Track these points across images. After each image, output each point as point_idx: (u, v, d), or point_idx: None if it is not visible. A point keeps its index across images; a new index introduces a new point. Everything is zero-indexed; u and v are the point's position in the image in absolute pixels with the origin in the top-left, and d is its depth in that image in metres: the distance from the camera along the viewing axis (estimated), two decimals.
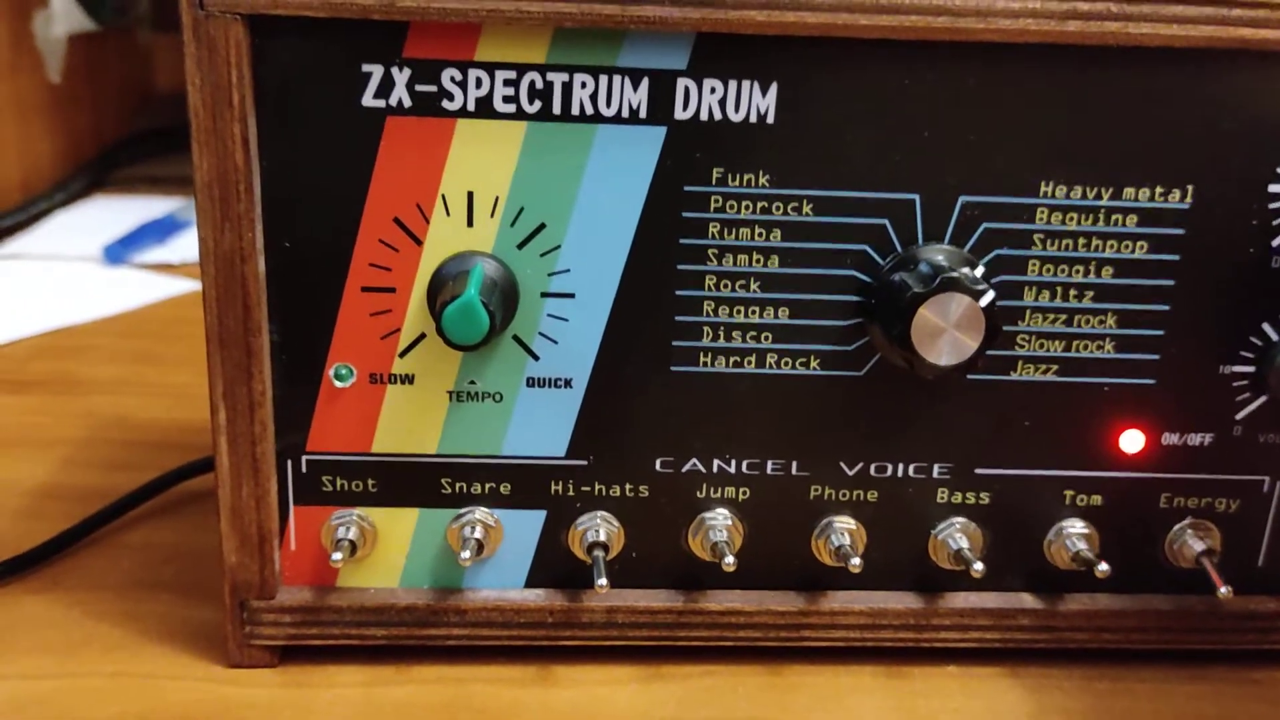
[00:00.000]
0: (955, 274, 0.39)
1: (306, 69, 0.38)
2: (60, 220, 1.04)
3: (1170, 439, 0.45)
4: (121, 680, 0.43)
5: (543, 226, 0.40)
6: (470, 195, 0.40)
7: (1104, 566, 0.44)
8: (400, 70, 0.38)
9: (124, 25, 1.21)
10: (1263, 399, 0.44)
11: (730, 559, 0.43)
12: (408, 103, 0.39)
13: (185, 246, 0.98)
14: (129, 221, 1.03)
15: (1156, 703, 0.45)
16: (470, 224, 0.40)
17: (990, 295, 0.39)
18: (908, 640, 0.46)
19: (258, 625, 0.43)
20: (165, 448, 0.62)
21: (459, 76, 0.39)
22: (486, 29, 0.38)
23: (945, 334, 0.40)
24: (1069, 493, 0.45)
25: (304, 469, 0.43)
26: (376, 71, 0.38)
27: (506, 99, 0.39)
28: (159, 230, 1.01)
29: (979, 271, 0.41)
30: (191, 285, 0.90)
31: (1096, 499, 0.45)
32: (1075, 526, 0.45)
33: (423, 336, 0.41)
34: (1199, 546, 0.45)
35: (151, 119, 1.26)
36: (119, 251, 0.95)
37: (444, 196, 0.40)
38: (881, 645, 0.46)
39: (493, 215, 0.40)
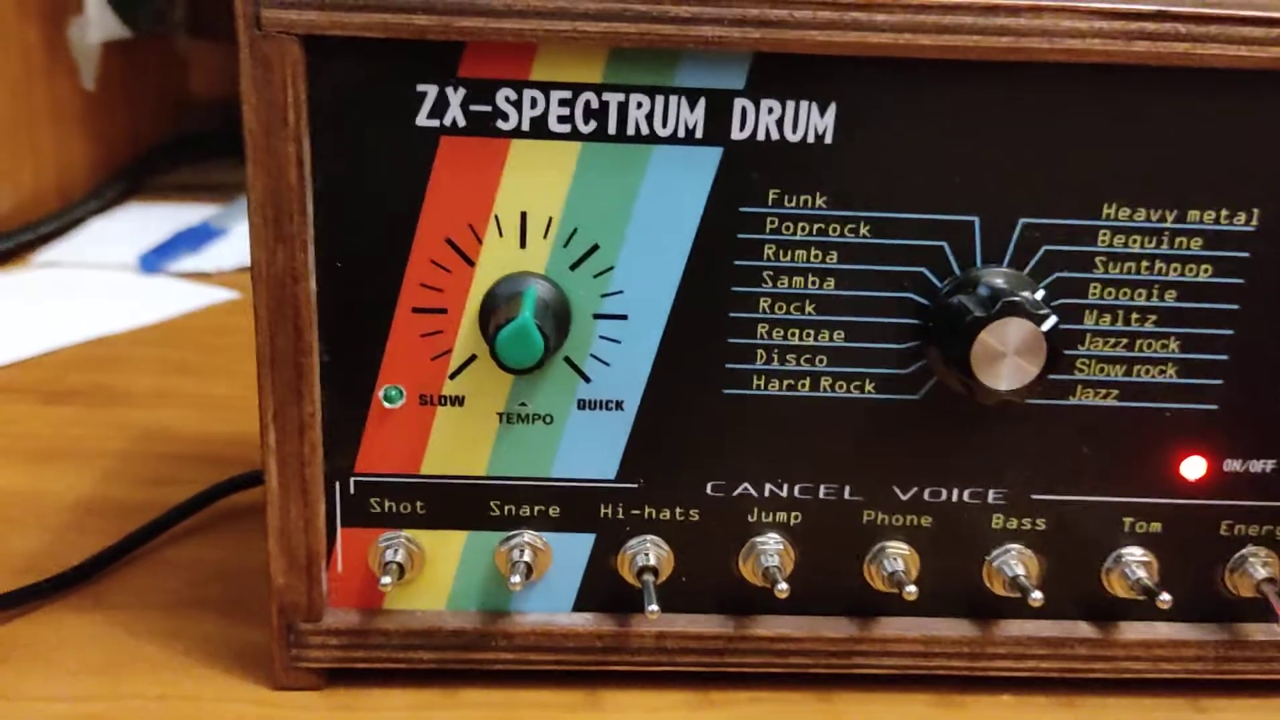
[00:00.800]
0: (1016, 298, 0.39)
1: (361, 89, 0.38)
2: (96, 228, 1.04)
3: (1232, 465, 0.44)
4: (167, 703, 0.43)
5: (596, 247, 0.40)
6: (523, 216, 0.39)
7: (1166, 596, 0.43)
8: (455, 90, 0.38)
9: (160, 32, 1.21)
10: None
11: (783, 585, 0.42)
12: (462, 122, 0.38)
13: (220, 254, 0.98)
14: (164, 229, 1.03)
15: None
16: (523, 245, 0.40)
17: (1053, 320, 0.39)
18: (961, 669, 0.45)
19: (304, 648, 0.43)
20: (206, 461, 0.62)
21: (514, 96, 0.38)
22: (542, 49, 0.38)
23: (1006, 359, 0.39)
24: (1128, 519, 0.44)
25: (352, 490, 0.42)
26: (431, 91, 0.38)
27: (561, 119, 0.38)
28: (194, 238, 1.01)
29: (1040, 295, 0.40)
30: (226, 294, 0.90)
31: (1156, 526, 0.44)
32: (1134, 554, 0.45)
33: (474, 358, 0.41)
34: (1260, 574, 0.44)
35: (187, 125, 1.26)
36: (154, 260, 0.96)
37: (497, 217, 0.39)
38: (934, 673, 0.45)
39: (546, 236, 0.40)
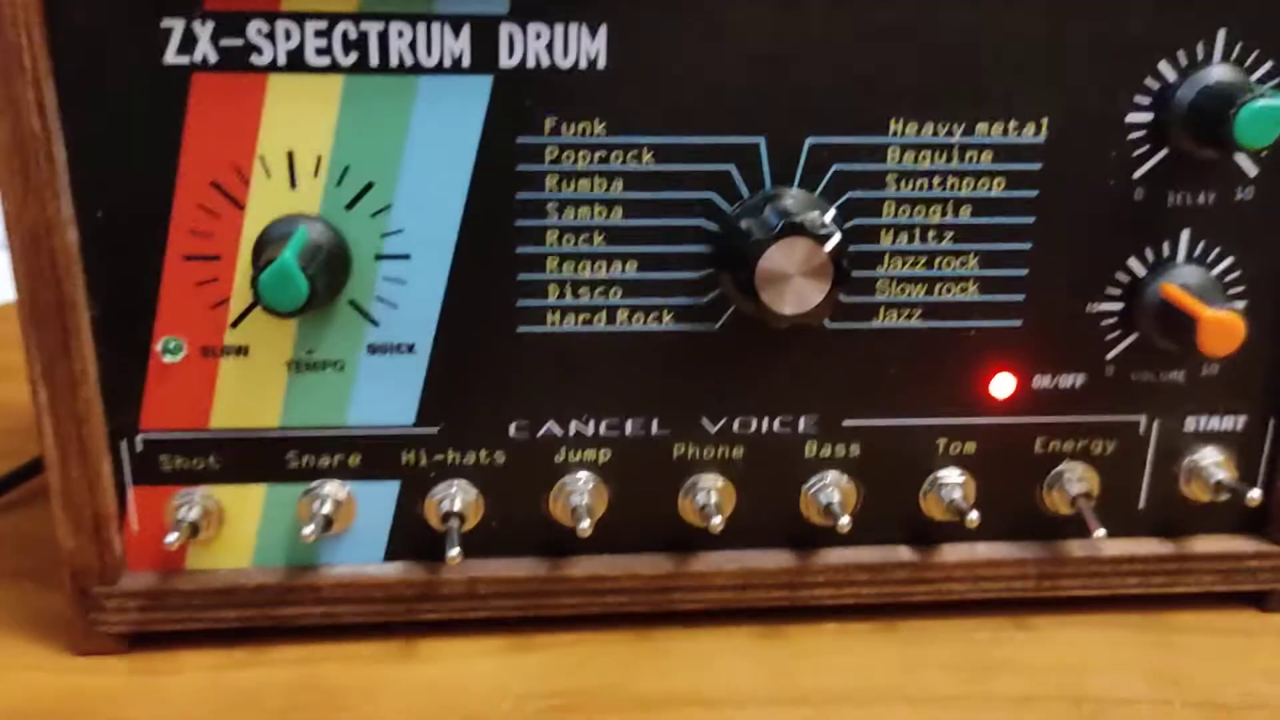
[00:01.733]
0: (799, 219, 0.38)
1: (103, 27, 0.36)
2: None
3: (1041, 381, 0.43)
4: None
5: (370, 185, 0.39)
6: (290, 155, 0.38)
7: (974, 515, 0.43)
8: (203, 24, 0.36)
9: None
10: (1134, 337, 0.43)
11: (585, 524, 0.41)
12: (214, 58, 0.37)
13: None
14: None
15: (1036, 650, 0.44)
16: (293, 185, 0.38)
17: (836, 238, 0.38)
18: (782, 599, 0.44)
19: (102, 612, 0.42)
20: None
21: (266, 29, 0.37)
22: None
23: (791, 281, 0.38)
24: (942, 441, 0.44)
25: (139, 448, 0.41)
26: (178, 26, 0.36)
27: (319, 51, 0.37)
28: None
29: (829, 216, 0.39)
30: None
31: (970, 446, 0.44)
32: (950, 475, 0.44)
33: (254, 305, 0.39)
34: (1076, 490, 0.44)
35: None
36: None
37: (262, 157, 0.38)
38: (755, 606, 0.44)
39: (316, 175, 0.38)
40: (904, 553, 0.45)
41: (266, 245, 0.38)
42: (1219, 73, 0.39)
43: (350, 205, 0.39)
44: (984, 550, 0.45)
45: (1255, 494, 0.43)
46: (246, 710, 0.40)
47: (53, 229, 0.37)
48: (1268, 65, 0.39)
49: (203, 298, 0.39)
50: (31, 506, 0.53)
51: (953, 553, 0.45)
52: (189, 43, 0.36)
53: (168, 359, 0.40)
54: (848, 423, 0.43)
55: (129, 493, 0.41)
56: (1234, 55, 0.39)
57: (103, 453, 0.40)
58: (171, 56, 0.37)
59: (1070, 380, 0.43)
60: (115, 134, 0.37)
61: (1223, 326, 0.39)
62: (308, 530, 0.40)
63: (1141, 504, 0.45)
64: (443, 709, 0.40)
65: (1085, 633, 0.45)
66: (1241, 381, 0.44)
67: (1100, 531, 0.43)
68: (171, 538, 0.40)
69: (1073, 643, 0.44)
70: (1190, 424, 0.44)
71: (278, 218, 0.39)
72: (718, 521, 0.42)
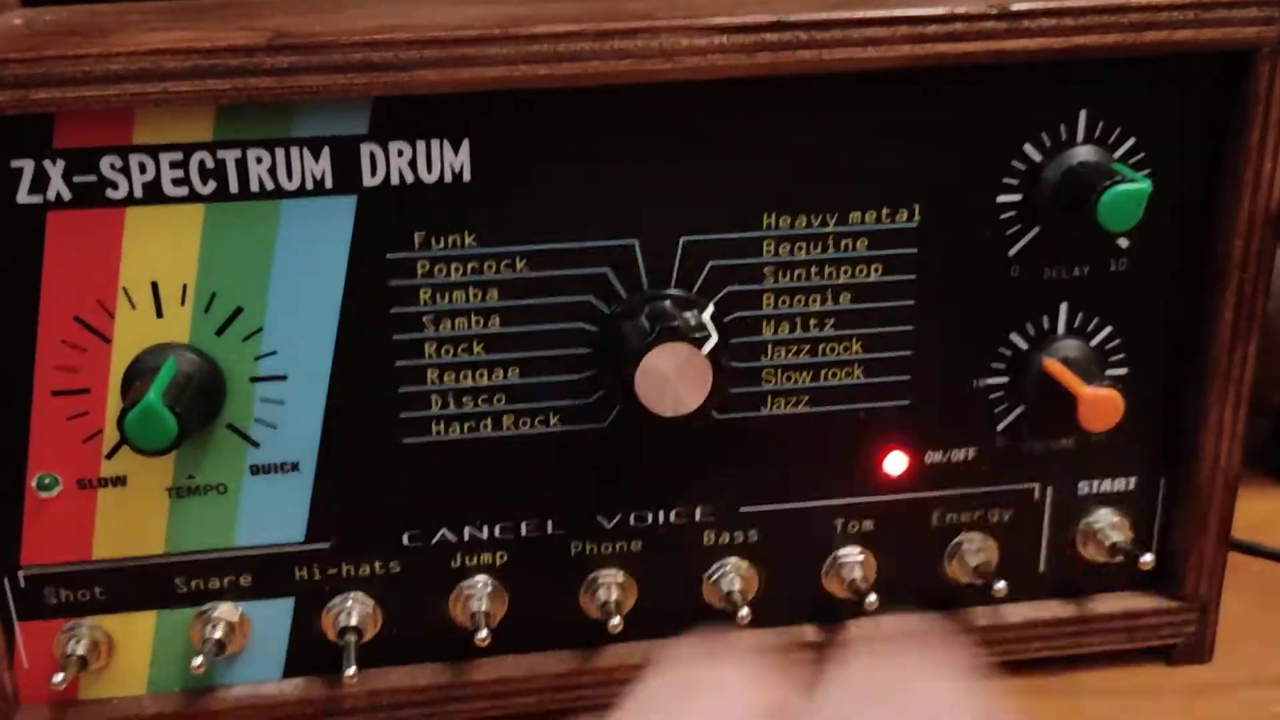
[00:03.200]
0: (674, 324, 0.38)
1: None
2: None
3: (934, 457, 0.44)
4: None
5: (240, 310, 0.38)
6: (155, 285, 0.37)
7: (872, 598, 0.43)
8: (54, 163, 0.36)
9: None
10: (1020, 409, 0.43)
11: (484, 632, 0.41)
12: (67, 195, 0.36)
13: None
14: None
15: None
16: (160, 314, 0.38)
17: (713, 340, 0.38)
18: None
19: None
20: None
21: (119, 163, 0.36)
22: (140, 112, 0.35)
23: (669, 385, 0.38)
24: (839, 521, 0.44)
25: (22, 583, 0.40)
26: (27, 166, 0.36)
27: (176, 182, 0.36)
28: None
29: (706, 315, 0.39)
30: None
31: (869, 524, 0.44)
32: (851, 554, 0.44)
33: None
34: (975, 560, 0.44)
35: None
36: None
37: (125, 289, 0.37)
38: None
39: (183, 303, 0.38)
40: (809, 632, 0.45)
41: (135, 378, 0.37)
42: (1083, 153, 0.39)
43: (220, 331, 0.38)
44: (891, 623, 0.45)
45: (1148, 558, 0.43)
46: None
47: None
48: (1130, 142, 0.40)
49: (75, 431, 0.39)
50: None
51: (857, 629, 0.45)
52: (41, 181, 0.36)
53: (44, 494, 0.39)
54: (745, 509, 0.43)
55: (15, 629, 0.41)
56: (1096, 134, 0.39)
57: None
58: (24, 196, 0.36)
59: (962, 454, 0.44)
60: None
61: (1102, 404, 0.39)
62: (197, 661, 0.40)
63: (1041, 568, 0.46)
64: None
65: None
66: (1130, 443, 0.44)
67: (1000, 584, 0.43)
68: (58, 678, 0.39)
69: None
70: (1083, 487, 0.45)
71: (147, 348, 0.38)
72: (616, 622, 0.42)
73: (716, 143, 0.38)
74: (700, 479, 0.43)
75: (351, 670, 0.40)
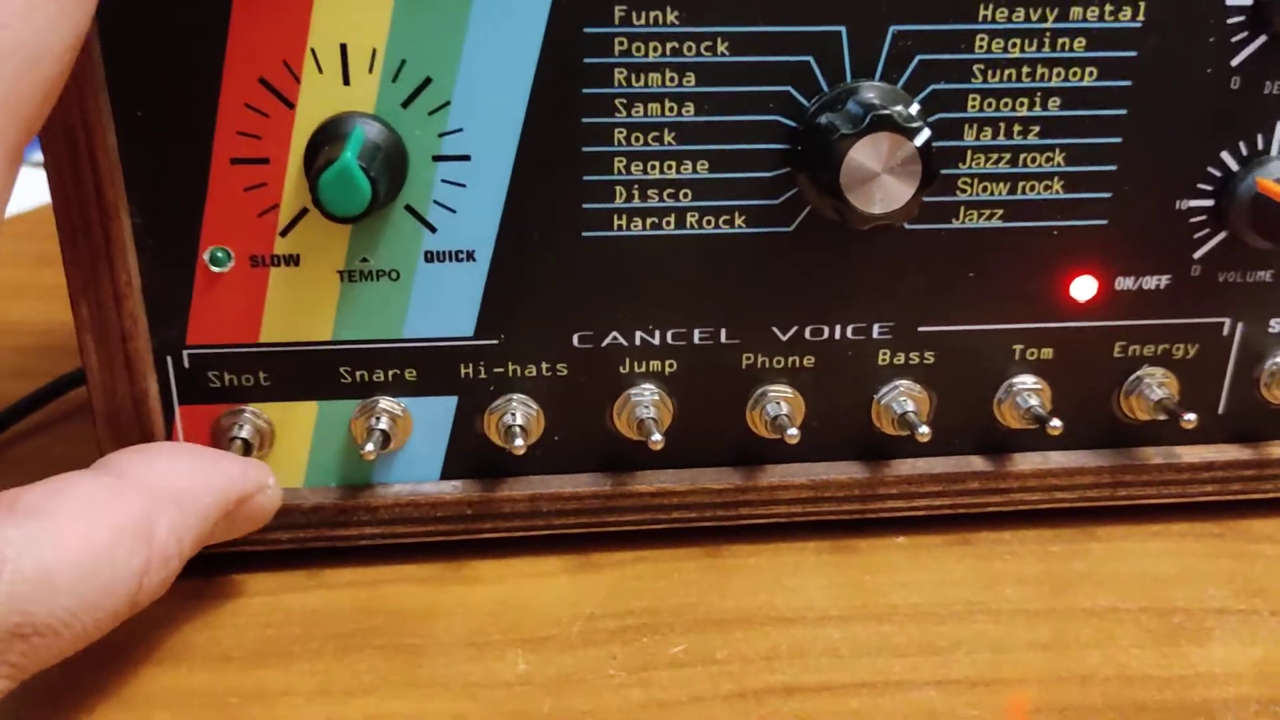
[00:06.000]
0: (887, 111, 0.36)
1: None
2: None
3: (1124, 283, 0.42)
4: None
5: (429, 81, 0.36)
6: (344, 48, 0.35)
7: (1056, 423, 0.41)
8: None
9: None
10: (1222, 235, 0.41)
11: (658, 436, 0.40)
12: None
13: None
14: None
15: (1114, 562, 0.42)
16: (347, 82, 0.36)
17: (926, 134, 0.36)
18: (852, 512, 0.43)
19: None
20: (66, 352, 0.58)
21: None
22: None
23: (878, 179, 0.36)
24: (1018, 347, 0.42)
25: (186, 364, 0.39)
26: None
27: None
28: None
29: (914, 109, 0.37)
30: None
31: (1047, 352, 0.42)
32: (1026, 382, 0.43)
33: (305, 212, 0.37)
34: (1157, 395, 0.43)
35: None
36: None
37: (313, 51, 0.35)
38: (825, 519, 0.43)
39: (371, 70, 0.36)
40: (976, 463, 0.43)
41: (321, 146, 0.36)
42: None
43: (407, 103, 0.36)
44: (1058, 459, 0.44)
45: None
46: (309, 635, 0.38)
47: (91, 130, 0.35)
48: None
49: (251, 204, 0.37)
50: (56, 428, 0.51)
51: (1026, 462, 0.44)
52: None
53: (215, 269, 0.38)
54: (923, 329, 0.42)
55: (176, 412, 0.39)
56: None
57: (148, 370, 0.38)
58: None
59: (1154, 282, 0.42)
60: (155, 26, 0.34)
61: None
62: (368, 448, 0.38)
63: (1221, 409, 0.44)
64: (512, 630, 0.39)
65: (1162, 543, 0.43)
66: None
67: (1191, 416, 0.41)
68: None
69: (1151, 553, 0.43)
70: (1275, 325, 0.43)
71: (331, 116, 0.36)
72: (794, 433, 0.40)
73: None
74: (880, 294, 0.41)
75: (519, 442, 0.39)
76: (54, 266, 0.69)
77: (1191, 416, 0.41)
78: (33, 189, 0.82)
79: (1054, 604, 0.40)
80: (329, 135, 0.36)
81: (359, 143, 0.34)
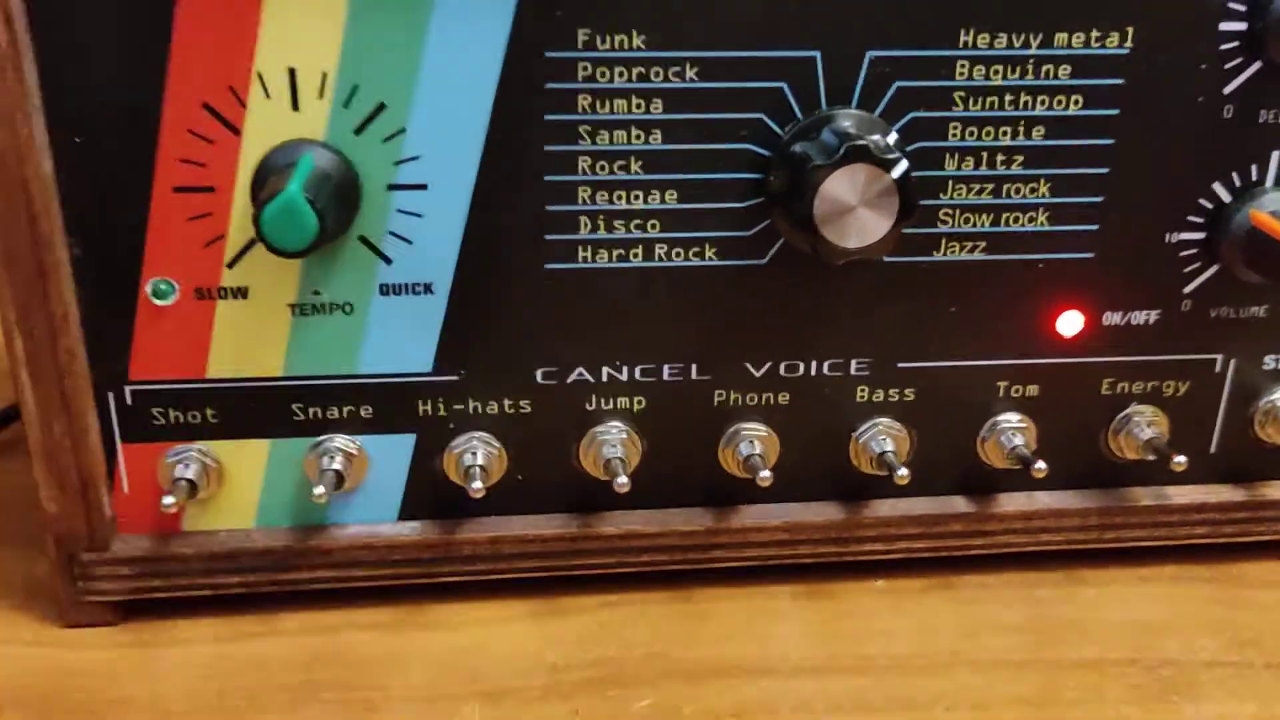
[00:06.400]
0: (863, 141, 0.34)
1: None
2: None
3: (1112, 318, 0.40)
4: None
5: (383, 107, 0.34)
6: (292, 72, 0.34)
7: (1041, 465, 0.39)
8: None
9: None
10: (1214, 269, 0.39)
11: (623, 479, 0.38)
12: None
13: None
14: None
15: (1102, 609, 0.41)
16: (296, 107, 0.34)
17: (904, 165, 0.34)
18: (829, 555, 0.41)
19: (91, 580, 0.38)
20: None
21: None
22: None
23: (853, 212, 0.34)
24: (1002, 383, 0.40)
25: (129, 401, 0.37)
26: None
27: None
28: None
29: (891, 138, 0.35)
30: None
31: (1033, 389, 0.41)
32: (1010, 420, 0.41)
33: (253, 242, 0.35)
34: (1146, 434, 0.41)
35: None
36: None
37: (260, 75, 0.34)
38: (800, 562, 0.41)
39: (321, 95, 0.34)
40: (959, 503, 0.42)
41: (268, 175, 0.34)
42: None
43: (360, 129, 0.35)
44: (1044, 500, 0.42)
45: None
46: (257, 685, 0.37)
47: (24, 157, 0.33)
48: None
49: (196, 234, 0.35)
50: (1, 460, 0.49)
51: (1010, 503, 0.42)
52: None
53: (158, 302, 0.36)
54: (902, 365, 0.40)
55: (118, 450, 0.38)
56: None
57: (88, 407, 0.36)
58: None
59: (1143, 317, 0.40)
60: (93, 48, 0.33)
61: None
62: (319, 490, 0.37)
63: (1213, 448, 0.42)
64: (472, 682, 0.37)
65: (1152, 588, 0.42)
66: None
67: (1181, 458, 0.39)
68: (169, 500, 0.36)
69: (1140, 599, 0.41)
70: (1269, 362, 0.41)
71: (279, 144, 0.34)
72: (766, 475, 0.38)
73: None
74: (858, 329, 0.39)
75: (478, 484, 0.37)
76: None
77: (1182, 459, 0.39)
78: None
79: (1039, 655, 0.39)
80: (276, 164, 0.34)
81: (305, 173, 0.33)
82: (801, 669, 0.38)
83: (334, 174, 0.34)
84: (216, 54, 0.33)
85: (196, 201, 0.35)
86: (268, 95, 0.34)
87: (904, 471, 0.39)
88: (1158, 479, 0.42)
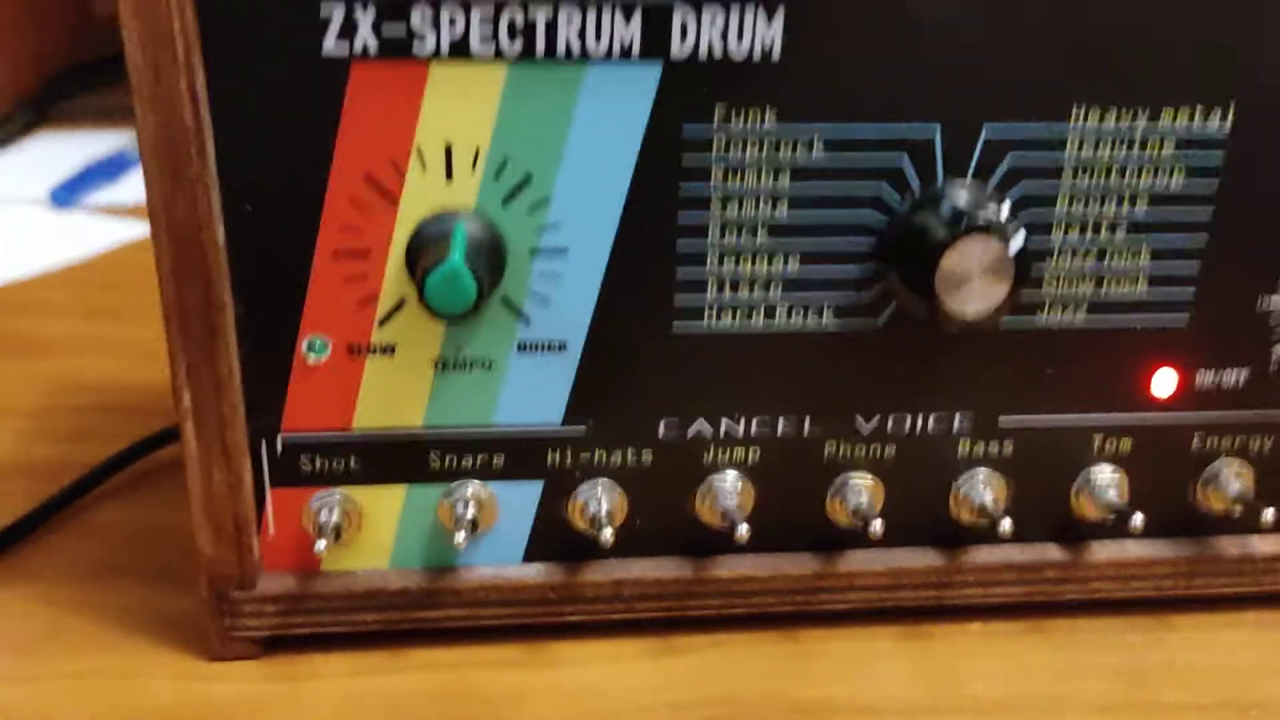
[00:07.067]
0: (982, 217, 0.36)
1: (259, 13, 0.34)
2: (1, 162, 0.98)
3: (1204, 378, 0.42)
4: (93, 681, 0.40)
5: (529, 178, 0.37)
6: (449, 147, 0.36)
7: (1138, 519, 0.41)
8: (364, 9, 0.34)
9: None
10: None
11: (744, 529, 0.40)
12: (374, 47, 0.35)
13: (138, 184, 0.93)
14: (76, 160, 0.97)
15: (1191, 653, 0.43)
16: (449, 178, 0.36)
17: (1022, 238, 0.36)
18: (929, 599, 0.43)
19: (239, 617, 0.40)
20: (130, 413, 0.58)
21: (430, 15, 0.34)
22: None
23: (972, 282, 0.37)
24: (1097, 438, 0.42)
25: (280, 450, 0.39)
26: (337, 13, 0.34)
27: (484, 39, 0.35)
28: (109, 169, 0.95)
29: (1006, 209, 0.37)
30: (147, 228, 0.85)
31: (1126, 443, 0.43)
32: (1104, 473, 0.43)
33: (403, 303, 0.38)
34: (1234, 488, 0.43)
35: (92, 49, 1.19)
36: (67, 194, 0.90)
37: (419, 149, 0.36)
38: (901, 605, 0.43)
39: (474, 168, 0.36)
40: (1053, 551, 0.44)
41: (425, 243, 0.36)
42: None
43: (507, 199, 0.37)
44: (1135, 549, 0.44)
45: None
46: (391, 718, 0.39)
47: (203, 225, 0.35)
48: None
49: (351, 295, 0.38)
50: (128, 494, 0.51)
51: (1103, 551, 0.44)
52: (349, 30, 0.34)
53: (312, 359, 0.38)
54: (1003, 421, 0.42)
55: (267, 495, 0.40)
56: None
57: (244, 456, 0.39)
58: (330, 45, 0.34)
59: (1234, 376, 0.42)
60: (268, 126, 0.35)
61: None
62: (460, 537, 0.39)
63: None
64: (595, 717, 0.39)
65: (1239, 634, 0.44)
66: None
67: (1270, 512, 0.41)
68: (320, 544, 0.39)
69: (1228, 645, 0.43)
70: None
71: (432, 213, 0.37)
72: (877, 527, 0.40)
73: (1030, 22, 0.36)
74: (962, 387, 0.41)
75: (608, 533, 0.39)
76: (106, 319, 0.70)
77: (1270, 514, 0.41)
78: (89, 235, 0.83)
79: (1132, 697, 0.41)
80: (431, 232, 0.36)
81: (463, 240, 0.35)
82: (908, 708, 0.40)
83: (484, 240, 0.36)
84: (381, 131, 0.36)
85: (352, 264, 0.37)
86: (424, 168, 0.36)
87: (1008, 523, 0.41)
88: (1243, 529, 0.44)
